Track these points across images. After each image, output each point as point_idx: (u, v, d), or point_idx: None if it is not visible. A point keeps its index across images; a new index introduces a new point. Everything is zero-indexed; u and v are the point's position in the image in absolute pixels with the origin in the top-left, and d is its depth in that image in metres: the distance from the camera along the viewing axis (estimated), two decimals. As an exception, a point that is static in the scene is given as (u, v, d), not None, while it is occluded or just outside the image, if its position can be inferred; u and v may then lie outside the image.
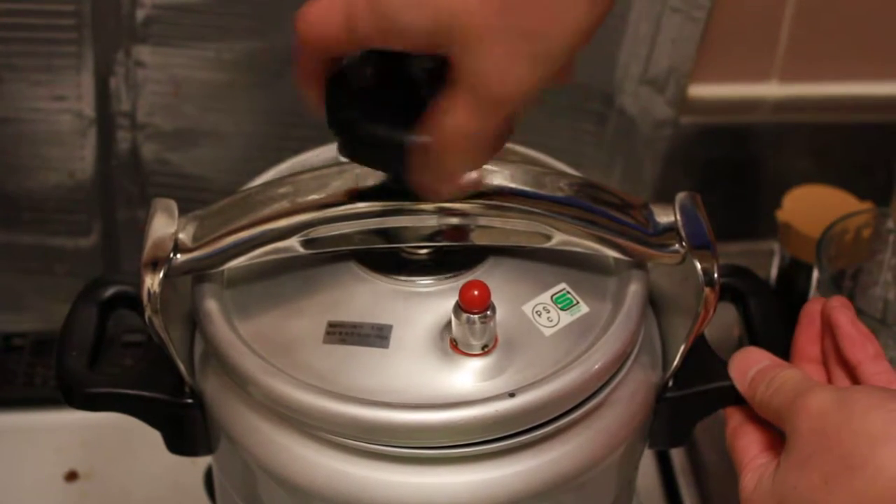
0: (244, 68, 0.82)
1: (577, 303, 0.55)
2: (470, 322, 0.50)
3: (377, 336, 0.52)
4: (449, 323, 0.51)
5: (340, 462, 0.52)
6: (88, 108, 0.82)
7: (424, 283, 0.54)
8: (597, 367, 0.52)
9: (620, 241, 0.54)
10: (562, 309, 0.54)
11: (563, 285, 0.55)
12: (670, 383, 0.57)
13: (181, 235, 0.53)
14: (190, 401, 0.56)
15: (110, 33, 0.79)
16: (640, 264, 0.56)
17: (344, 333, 0.53)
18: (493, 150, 0.51)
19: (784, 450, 0.52)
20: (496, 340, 0.52)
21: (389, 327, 0.53)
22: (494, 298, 0.51)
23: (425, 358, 0.52)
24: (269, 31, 0.81)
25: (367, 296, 0.54)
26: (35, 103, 0.82)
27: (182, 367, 0.55)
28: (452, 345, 0.52)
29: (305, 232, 0.53)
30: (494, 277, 0.54)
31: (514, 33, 0.46)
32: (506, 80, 0.47)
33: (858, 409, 0.49)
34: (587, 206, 0.54)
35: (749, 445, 0.56)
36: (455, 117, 0.48)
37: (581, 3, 0.47)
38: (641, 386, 0.56)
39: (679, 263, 0.55)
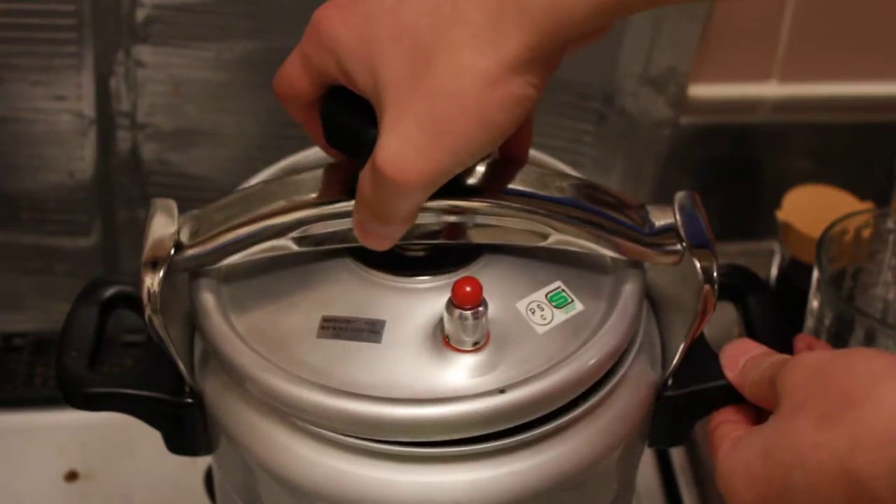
0: (244, 68, 0.82)
1: (572, 301, 0.55)
2: (462, 318, 0.50)
3: (370, 331, 0.52)
4: (442, 319, 0.51)
5: (340, 461, 0.52)
6: (88, 108, 0.82)
7: (419, 279, 0.54)
8: (589, 364, 0.52)
9: (617, 240, 0.54)
10: (556, 307, 0.54)
11: (558, 283, 0.55)
12: (670, 382, 0.57)
13: (180, 235, 0.54)
14: (190, 400, 0.56)
15: (110, 33, 0.79)
16: (636, 263, 0.56)
17: (337, 328, 0.53)
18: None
19: (773, 413, 0.50)
20: (488, 337, 0.52)
21: (382, 322, 0.53)
22: (488, 295, 0.51)
23: (417, 353, 0.52)
24: (269, 31, 0.81)
25: (362, 291, 0.54)
26: (35, 103, 0.82)
27: (182, 366, 0.55)
28: (445, 341, 0.52)
29: (302, 229, 0.53)
30: (489, 274, 0.54)
31: (427, 120, 0.46)
32: (404, 167, 0.46)
33: (859, 355, 0.47)
34: (584, 205, 0.54)
35: (729, 431, 0.54)
36: (362, 184, 0.49)
37: (508, 107, 0.46)
38: (641, 385, 0.56)
39: (677, 263, 0.55)
